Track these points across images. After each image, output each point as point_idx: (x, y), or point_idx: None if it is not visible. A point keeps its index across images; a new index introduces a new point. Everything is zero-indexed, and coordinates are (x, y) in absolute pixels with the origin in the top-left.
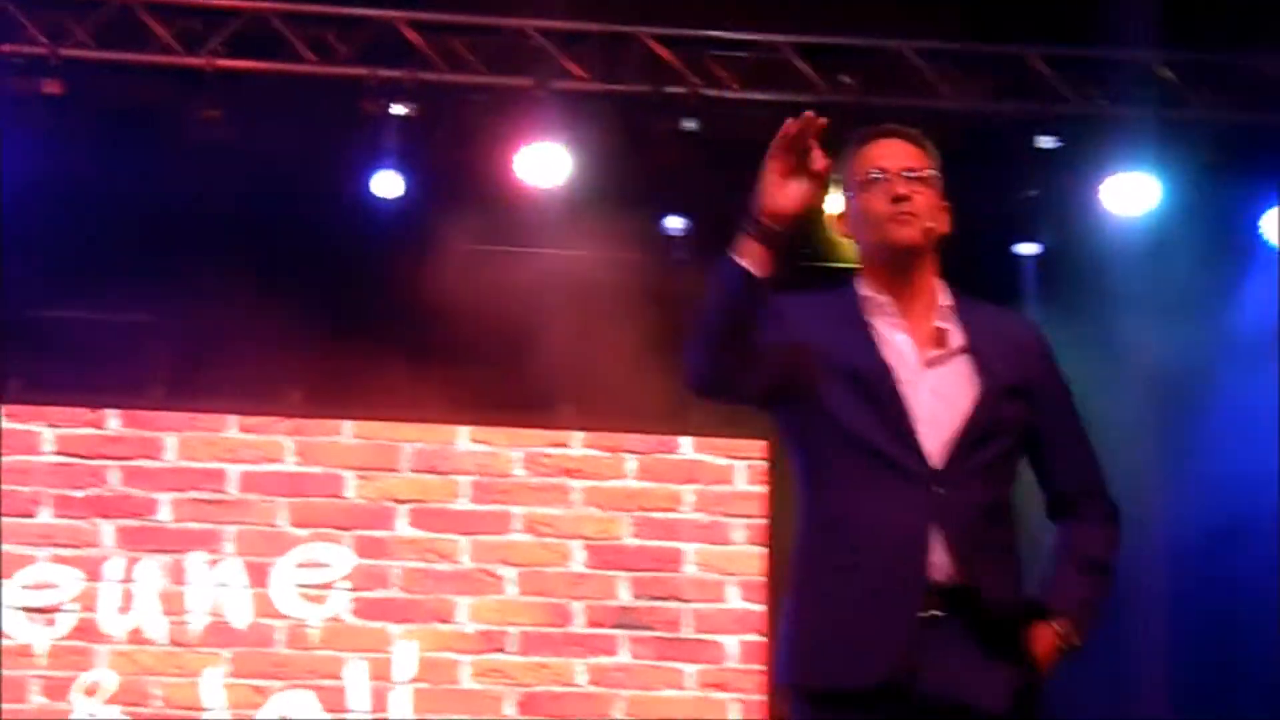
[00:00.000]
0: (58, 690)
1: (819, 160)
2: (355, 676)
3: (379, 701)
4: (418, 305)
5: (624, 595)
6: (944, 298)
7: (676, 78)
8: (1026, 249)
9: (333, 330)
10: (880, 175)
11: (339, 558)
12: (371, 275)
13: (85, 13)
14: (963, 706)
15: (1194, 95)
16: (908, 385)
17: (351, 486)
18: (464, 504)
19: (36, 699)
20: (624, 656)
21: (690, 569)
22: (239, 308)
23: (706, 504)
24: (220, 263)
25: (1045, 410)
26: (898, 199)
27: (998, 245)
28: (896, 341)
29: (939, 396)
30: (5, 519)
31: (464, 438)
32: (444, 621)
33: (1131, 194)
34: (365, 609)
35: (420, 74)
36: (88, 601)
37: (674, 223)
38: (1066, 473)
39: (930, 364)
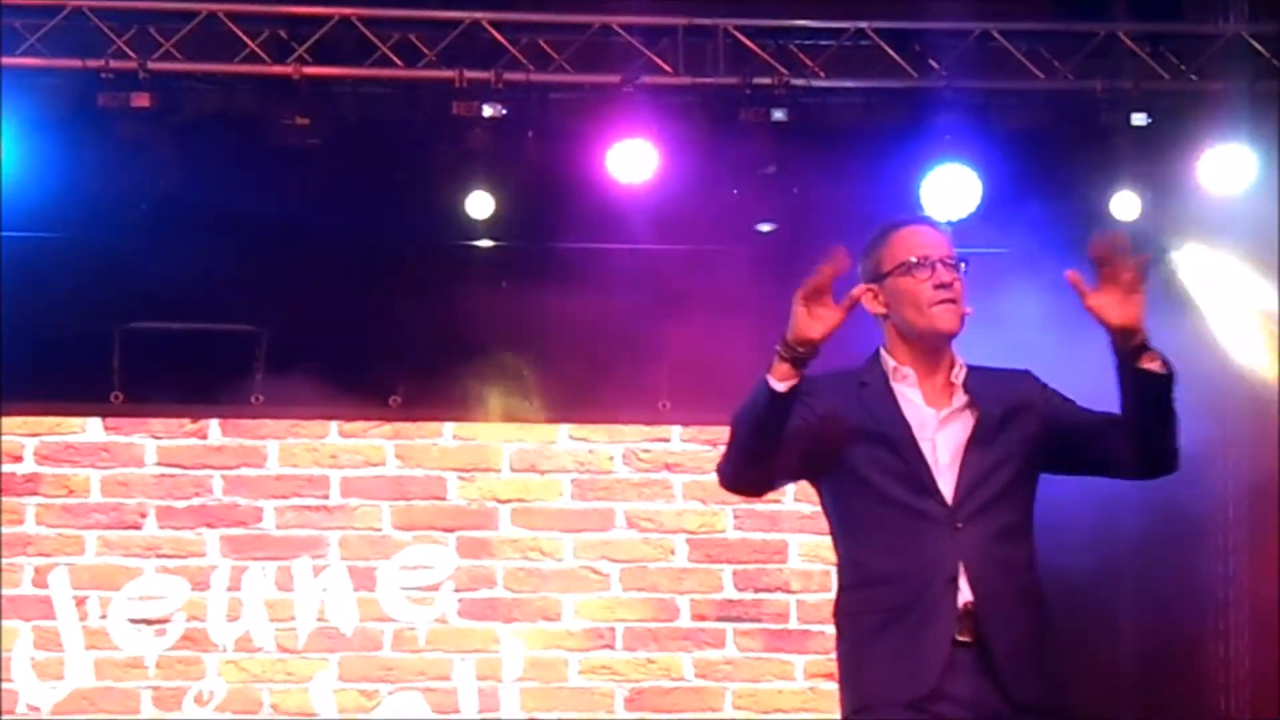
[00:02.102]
0: (169, 700)
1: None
2: (463, 677)
3: (488, 701)
4: (514, 305)
5: (729, 588)
6: (958, 363)
7: (764, 69)
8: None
9: (430, 333)
10: (922, 261)
11: (443, 559)
12: (467, 276)
13: (172, 25)
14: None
15: None
16: (926, 441)
17: (453, 488)
18: (566, 502)
19: (149, 710)
20: (731, 650)
21: (795, 560)
22: (334, 314)
23: (808, 494)
24: (315, 270)
25: (1058, 414)
26: (941, 285)
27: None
28: (917, 404)
29: (951, 444)
30: (112, 531)
31: (564, 436)
32: (550, 620)
33: (1228, 169)
34: (471, 609)
35: (507, 74)
36: (195, 611)
37: (764, 225)
38: (1097, 415)
39: (944, 422)
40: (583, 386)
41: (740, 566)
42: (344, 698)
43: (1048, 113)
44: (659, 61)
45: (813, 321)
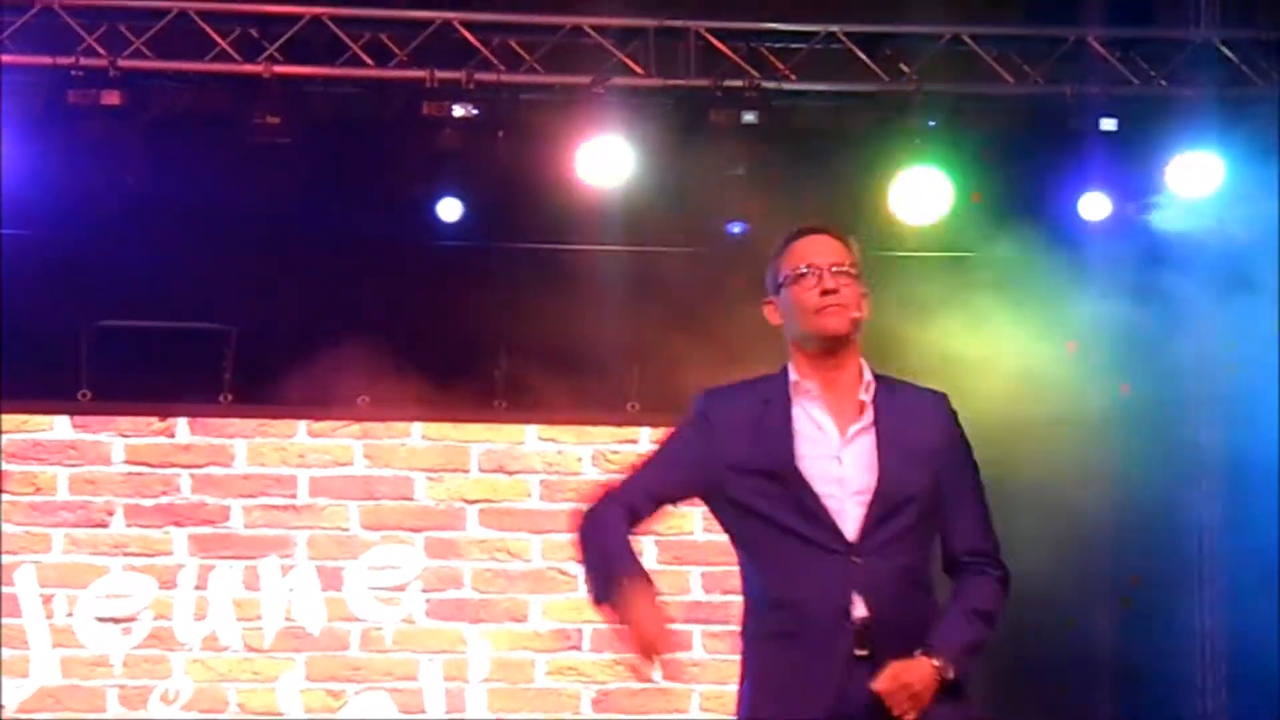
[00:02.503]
0: (135, 699)
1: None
2: (430, 677)
3: (454, 701)
4: (482, 305)
5: (696, 590)
6: (866, 375)
7: (735, 71)
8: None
9: (398, 333)
10: (809, 270)
11: (411, 559)
12: (436, 277)
13: (143, 23)
14: None
15: (1256, 73)
16: (826, 464)
17: (421, 488)
18: (534, 503)
19: (115, 708)
20: (699, 651)
21: None
22: (304, 313)
23: None
24: (284, 269)
25: (946, 476)
26: (826, 292)
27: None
28: (819, 421)
29: (857, 469)
30: (79, 530)
31: (532, 436)
32: (517, 620)
33: (1196, 174)
34: (438, 610)
35: (479, 74)
36: (162, 609)
37: (734, 227)
38: (963, 536)
39: (849, 439)
40: (551, 387)
41: (708, 569)
42: (310, 697)
43: (1018, 117)
44: (630, 63)
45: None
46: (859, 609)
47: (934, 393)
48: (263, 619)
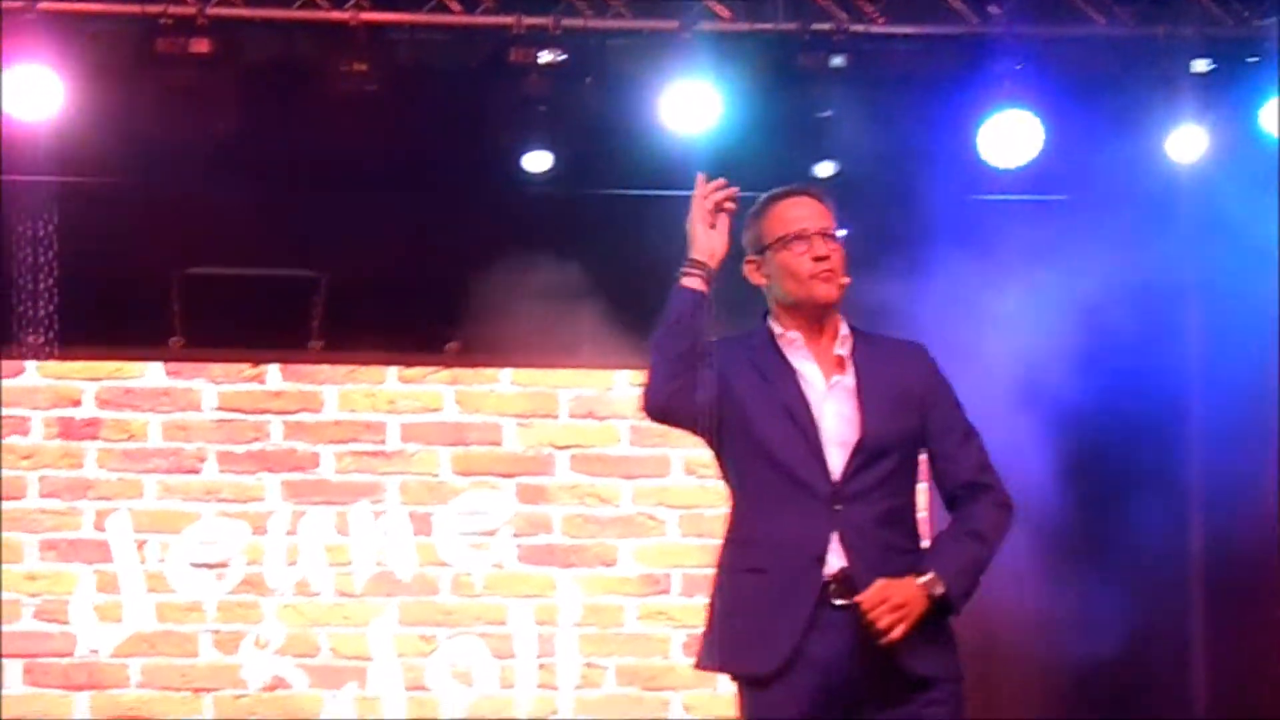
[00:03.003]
0: (228, 644)
1: (730, 205)
2: (521, 622)
3: (545, 646)
4: (569, 252)
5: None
6: (843, 330)
7: (823, 14)
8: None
9: (488, 278)
10: (801, 235)
11: (501, 505)
12: (523, 223)
13: None
14: (854, 678)
15: None
16: (817, 409)
17: (511, 434)
18: (623, 448)
19: (208, 653)
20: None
21: None
22: (393, 260)
23: None
24: (374, 215)
25: (934, 419)
26: (819, 259)
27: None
28: (805, 371)
29: (840, 418)
30: (172, 476)
31: (622, 382)
32: (607, 565)
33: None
34: (529, 555)
35: (566, 20)
36: (254, 555)
37: (824, 169)
38: (958, 471)
39: (831, 389)
40: (640, 332)
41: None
42: (402, 642)
43: (1108, 58)
44: (717, 8)
45: (716, 237)
46: (835, 555)
47: (912, 343)
48: (354, 565)
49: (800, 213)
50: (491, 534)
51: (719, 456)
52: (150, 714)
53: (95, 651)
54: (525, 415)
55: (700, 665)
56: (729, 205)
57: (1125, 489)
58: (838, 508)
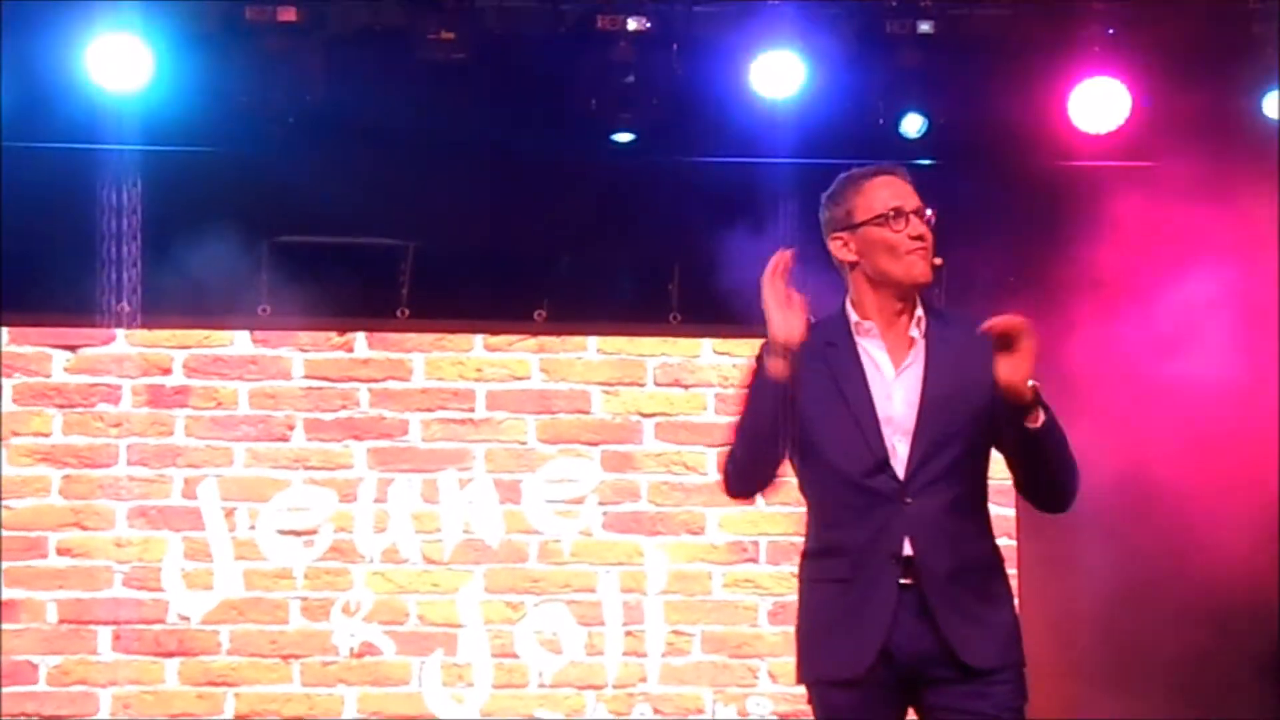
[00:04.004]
0: (317, 611)
1: (797, 297)
2: (608, 589)
3: (632, 614)
4: (656, 220)
5: None
6: (918, 311)
7: None
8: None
9: (575, 247)
10: (899, 212)
11: (588, 472)
12: (609, 191)
13: None
14: (933, 661)
15: None
16: (883, 400)
17: (598, 402)
18: (709, 416)
19: (297, 620)
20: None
21: None
22: (480, 229)
23: None
24: (460, 184)
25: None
26: (917, 237)
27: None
28: (877, 359)
29: (907, 405)
30: (260, 444)
31: (707, 350)
32: (693, 533)
33: None
34: (615, 523)
35: None
36: (343, 523)
37: (912, 123)
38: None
39: (900, 375)
40: (726, 300)
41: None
42: (490, 609)
43: (1198, 25)
44: None
45: (793, 317)
46: (909, 551)
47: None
48: (442, 532)
49: (896, 191)
50: (578, 501)
51: (794, 468)
52: (239, 680)
53: (185, 618)
54: (611, 383)
55: (800, 679)
56: (788, 262)
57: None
58: (908, 501)
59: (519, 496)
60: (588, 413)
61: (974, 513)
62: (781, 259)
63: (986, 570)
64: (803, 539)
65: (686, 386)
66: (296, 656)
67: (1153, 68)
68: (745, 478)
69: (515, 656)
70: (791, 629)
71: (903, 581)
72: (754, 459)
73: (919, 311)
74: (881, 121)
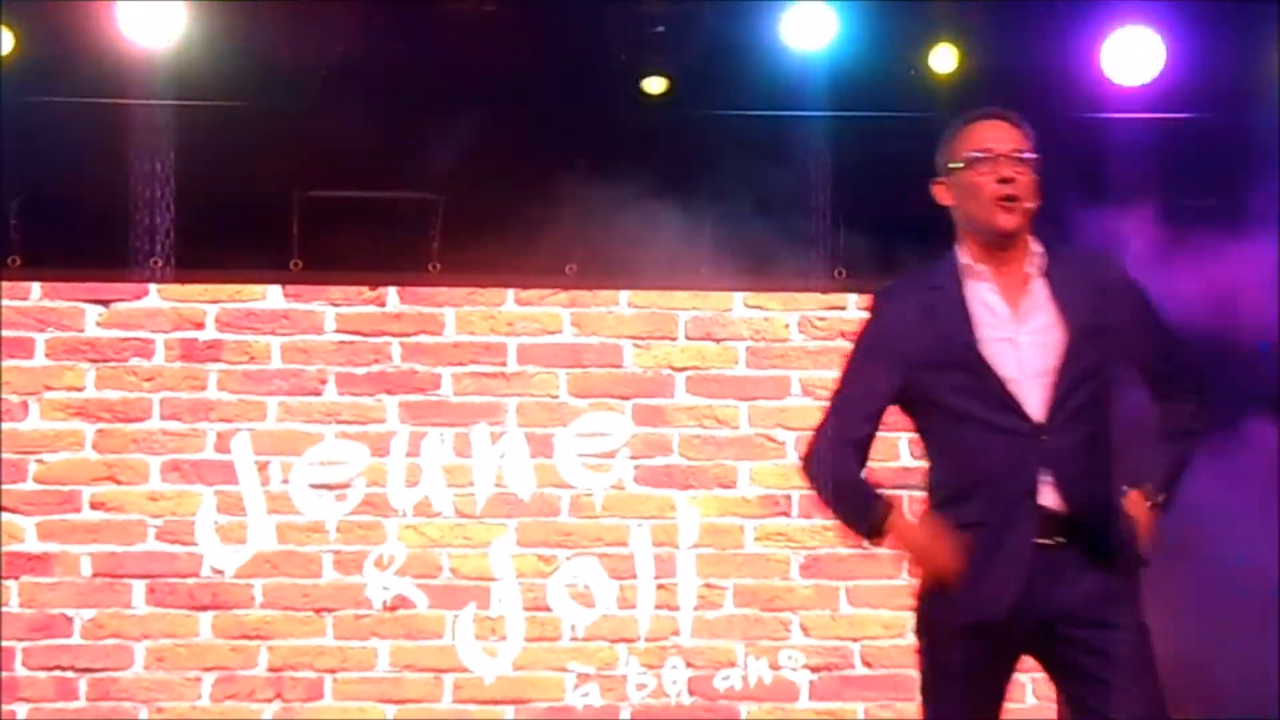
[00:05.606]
0: (350, 564)
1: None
2: (640, 543)
3: (664, 567)
4: (689, 173)
5: (904, 456)
6: (1035, 248)
7: None
8: None
9: (605, 200)
10: (988, 155)
11: (619, 426)
12: (641, 145)
13: None
14: (1068, 615)
15: None
16: (1001, 346)
17: (629, 355)
18: (741, 369)
19: (330, 573)
20: (907, 516)
21: None
22: (511, 182)
23: None
24: (492, 138)
25: (1130, 318)
26: (1004, 180)
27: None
28: (992, 303)
29: (1034, 348)
30: (292, 398)
31: (739, 303)
32: (725, 487)
33: None
34: (647, 476)
35: None
36: (375, 477)
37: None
38: (1159, 366)
39: (1022, 318)
40: (758, 254)
41: (916, 434)
42: (522, 562)
43: None
44: None
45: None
46: (1045, 491)
47: (1100, 252)
48: (474, 485)
49: (990, 134)
50: (610, 455)
51: (906, 414)
52: (273, 633)
53: (219, 572)
54: (643, 337)
55: (924, 619)
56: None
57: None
58: (1044, 439)
59: (551, 450)
60: (619, 366)
61: (1103, 451)
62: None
63: (1116, 514)
64: (925, 493)
65: (718, 340)
66: (329, 610)
67: (1187, 18)
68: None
69: (548, 610)
70: (824, 582)
71: (1044, 541)
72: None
73: (1035, 249)
74: (913, 72)
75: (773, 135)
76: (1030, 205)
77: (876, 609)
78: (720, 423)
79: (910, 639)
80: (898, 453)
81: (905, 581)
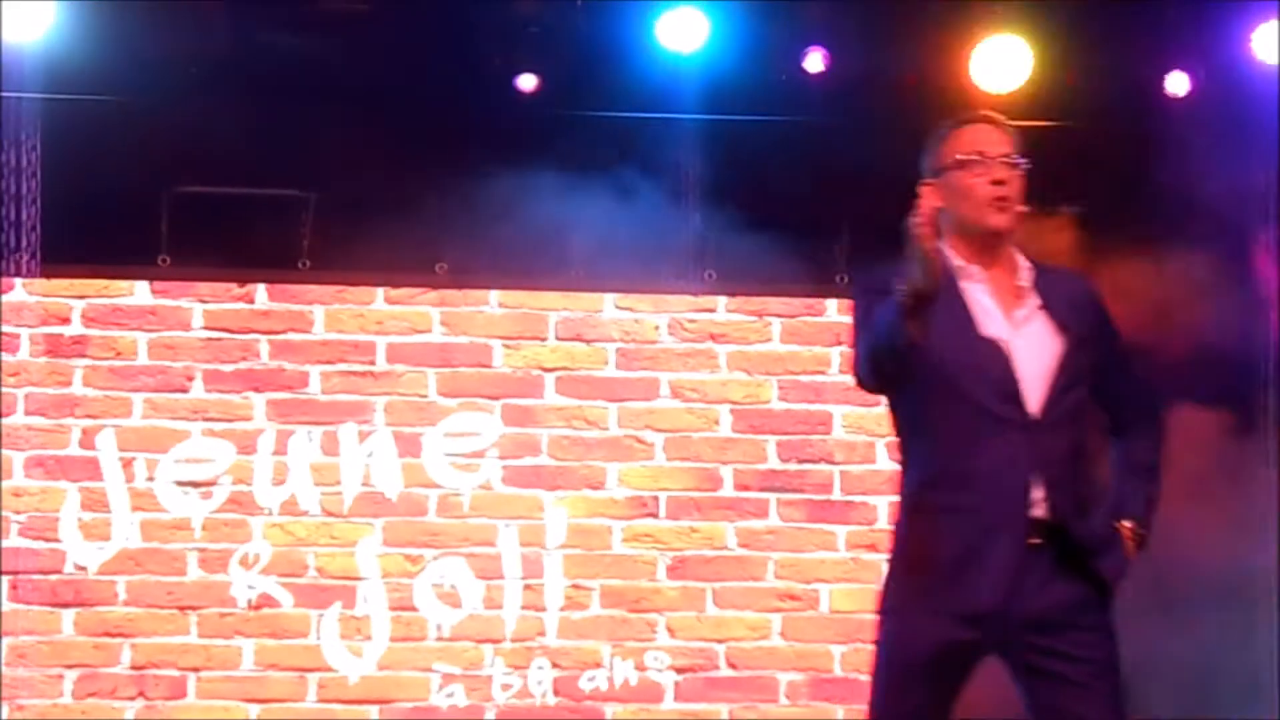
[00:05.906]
0: (215, 563)
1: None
2: (507, 543)
3: (531, 567)
4: (561, 173)
5: (773, 459)
6: (1022, 261)
7: None
8: None
9: (477, 200)
10: (981, 158)
11: (488, 426)
12: (513, 146)
13: None
14: (1052, 618)
15: None
16: (1006, 343)
17: (499, 355)
18: (610, 371)
19: (195, 571)
20: (774, 520)
21: (839, 431)
22: (383, 180)
23: None
24: (363, 136)
25: (1103, 351)
26: (997, 183)
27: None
28: (985, 304)
29: (1029, 353)
30: (159, 394)
31: (609, 305)
32: (594, 488)
33: None
34: (515, 477)
35: None
36: (241, 474)
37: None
38: (1124, 400)
39: (1017, 325)
40: (629, 256)
41: (784, 437)
42: (388, 562)
43: None
44: None
45: (938, 267)
46: (1036, 491)
47: (1080, 273)
48: (341, 484)
49: (982, 137)
50: (479, 455)
51: (895, 401)
52: (136, 631)
53: (82, 569)
54: (513, 337)
55: (891, 603)
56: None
57: None
58: (1039, 437)
59: (419, 450)
60: (489, 366)
61: (1085, 455)
62: (930, 202)
63: (1089, 518)
64: (904, 470)
65: (588, 341)
66: (194, 608)
67: (1055, 27)
68: (877, 388)
69: (414, 610)
70: (690, 584)
71: (1033, 541)
72: (886, 381)
73: (1023, 262)
74: (784, 77)
75: (645, 137)
76: (1020, 208)
77: (742, 610)
78: (589, 424)
79: (775, 641)
80: (765, 454)
81: (770, 584)
